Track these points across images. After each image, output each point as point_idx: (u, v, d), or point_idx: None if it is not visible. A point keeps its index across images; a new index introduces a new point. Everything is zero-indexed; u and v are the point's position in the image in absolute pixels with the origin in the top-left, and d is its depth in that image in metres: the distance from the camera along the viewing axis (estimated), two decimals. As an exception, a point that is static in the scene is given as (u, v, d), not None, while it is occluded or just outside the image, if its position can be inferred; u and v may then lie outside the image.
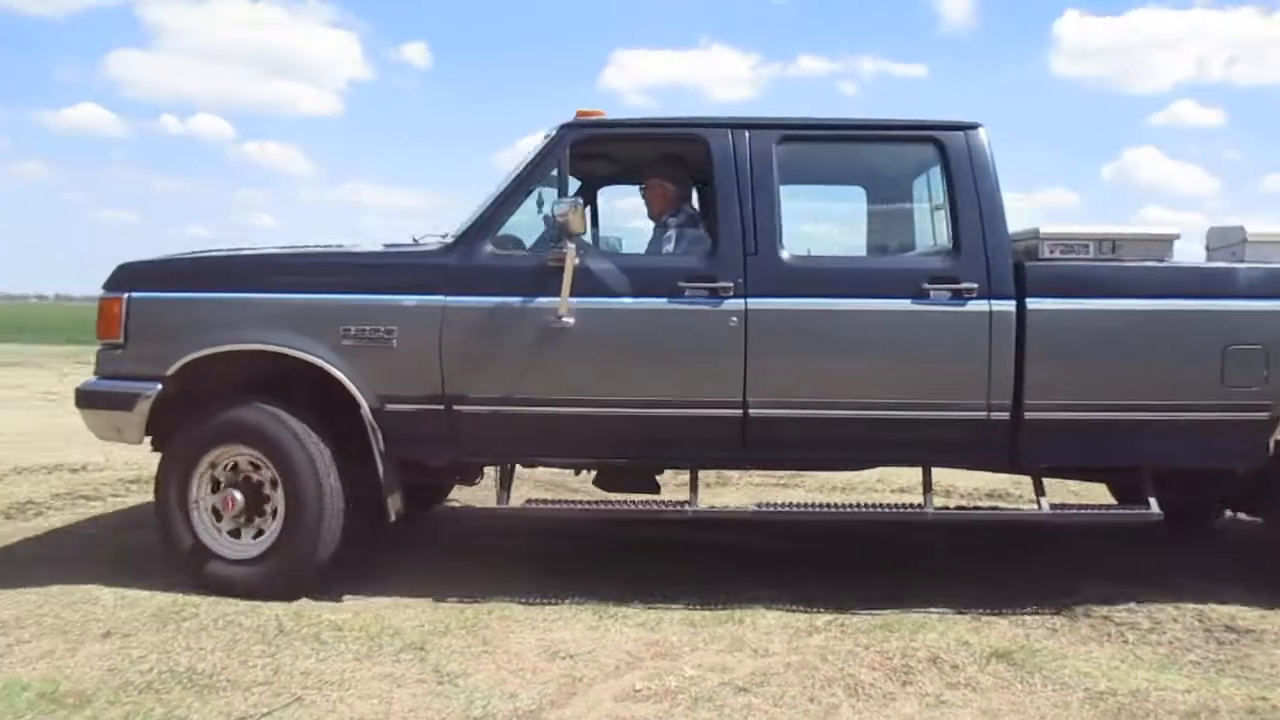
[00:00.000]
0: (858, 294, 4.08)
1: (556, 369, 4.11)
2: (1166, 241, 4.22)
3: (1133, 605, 4.12)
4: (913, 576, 4.59)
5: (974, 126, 4.19)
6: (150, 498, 4.44)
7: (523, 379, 4.11)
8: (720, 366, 4.07)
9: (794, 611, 4.06)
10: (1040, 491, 4.26)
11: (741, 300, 4.05)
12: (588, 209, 4.64)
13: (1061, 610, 4.11)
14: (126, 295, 4.28)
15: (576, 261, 4.00)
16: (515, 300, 4.10)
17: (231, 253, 4.58)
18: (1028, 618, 4.04)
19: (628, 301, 4.10)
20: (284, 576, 4.12)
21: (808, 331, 4.11)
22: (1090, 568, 4.68)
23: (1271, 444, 4.05)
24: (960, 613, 4.07)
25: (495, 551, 5.03)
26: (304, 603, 4.06)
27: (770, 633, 3.82)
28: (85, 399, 4.35)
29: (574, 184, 4.61)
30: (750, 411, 4.07)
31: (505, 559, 4.82)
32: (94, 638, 3.63)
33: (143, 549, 4.78)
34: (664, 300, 4.08)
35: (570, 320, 4.01)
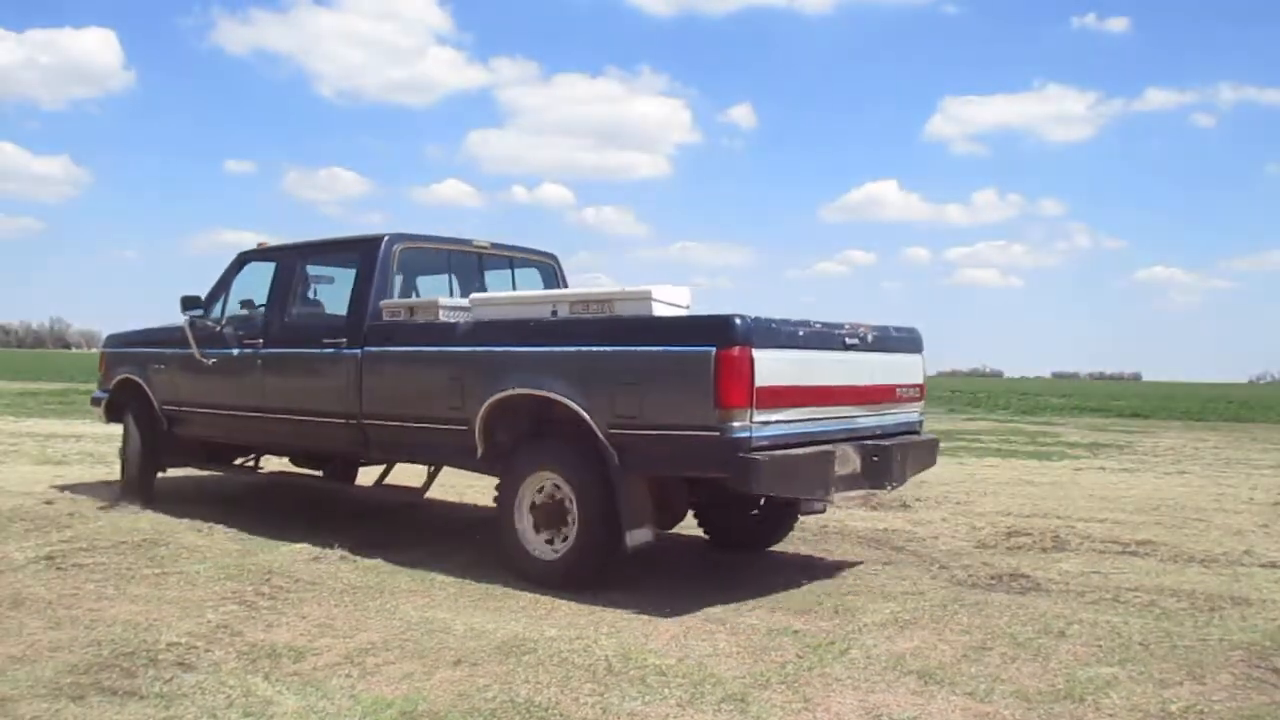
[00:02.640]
0: (301, 344, 6.62)
1: (208, 387, 7.27)
2: (433, 308, 5.92)
3: None
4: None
5: (375, 239, 6.35)
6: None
7: (198, 393, 7.37)
8: (255, 388, 6.83)
9: (1144, 692, 3.70)
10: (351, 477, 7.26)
11: (264, 350, 6.80)
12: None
13: None
14: (103, 350, 8.61)
15: (217, 327, 7.19)
16: (199, 350, 7.21)
17: (137, 329, 8.31)
18: None
19: (232, 350, 7.03)
20: (126, 493, 7.74)
21: (280, 366, 6.73)
22: None
23: (478, 448, 5.52)
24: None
25: (792, 598, 4.96)
26: (631, 645, 4.22)
27: (1116, 716, 3.50)
28: (91, 401, 8.77)
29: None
30: (265, 414, 6.78)
31: (805, 607, 4.75)
32: (446, 664, 3.97)
33: (487, 583, 5.20)
34: (237, 350, 7.00)
35: (211, 361, 7.14)
